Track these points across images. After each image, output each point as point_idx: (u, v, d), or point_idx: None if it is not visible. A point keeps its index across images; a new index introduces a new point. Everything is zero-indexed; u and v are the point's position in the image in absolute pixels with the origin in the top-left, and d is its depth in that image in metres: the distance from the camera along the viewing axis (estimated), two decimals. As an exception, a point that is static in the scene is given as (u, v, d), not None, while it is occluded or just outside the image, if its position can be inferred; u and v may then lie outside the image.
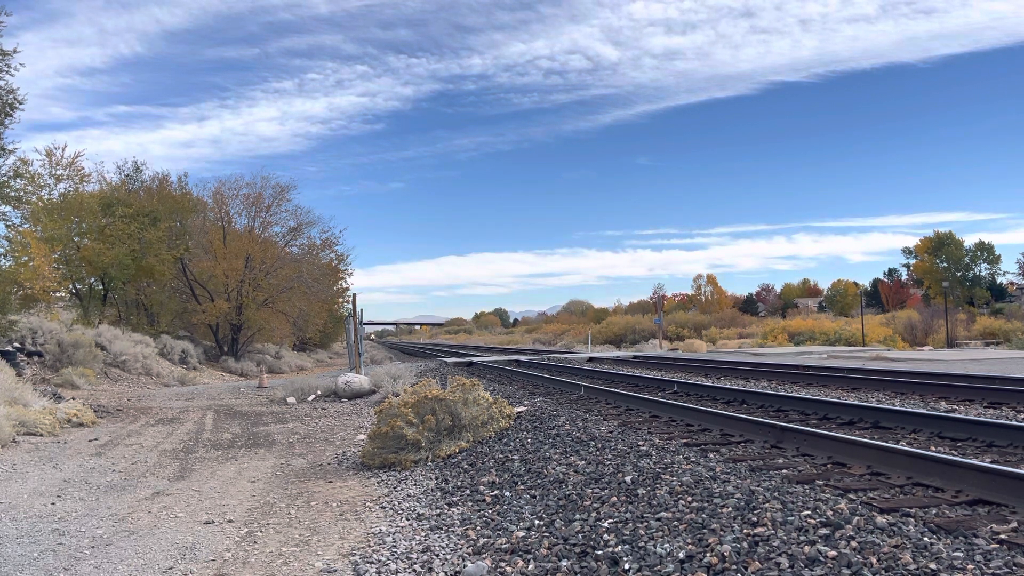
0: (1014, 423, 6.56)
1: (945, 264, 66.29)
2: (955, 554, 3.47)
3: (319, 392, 17.46)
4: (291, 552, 5.12)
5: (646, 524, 4.58)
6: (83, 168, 28.03)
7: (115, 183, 32.65)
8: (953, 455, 5.76)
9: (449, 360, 25.30)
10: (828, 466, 5.83)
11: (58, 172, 26.30)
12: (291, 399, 16.67)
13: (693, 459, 6.04)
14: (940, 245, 67.27)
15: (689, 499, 4.88)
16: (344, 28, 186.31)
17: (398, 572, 4.59)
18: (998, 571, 3.27)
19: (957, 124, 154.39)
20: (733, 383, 13.74)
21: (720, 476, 5.33)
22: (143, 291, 32.74)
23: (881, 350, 28.15)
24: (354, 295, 20.57)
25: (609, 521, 4.82)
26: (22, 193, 17.77)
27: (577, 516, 5.11)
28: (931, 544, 3.60)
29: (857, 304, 59.39)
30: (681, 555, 3.98)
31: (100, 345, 23.08)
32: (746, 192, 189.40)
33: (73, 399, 14.76)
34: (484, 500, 6.20)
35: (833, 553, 3.59)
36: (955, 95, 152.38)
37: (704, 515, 4.49)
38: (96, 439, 10.77)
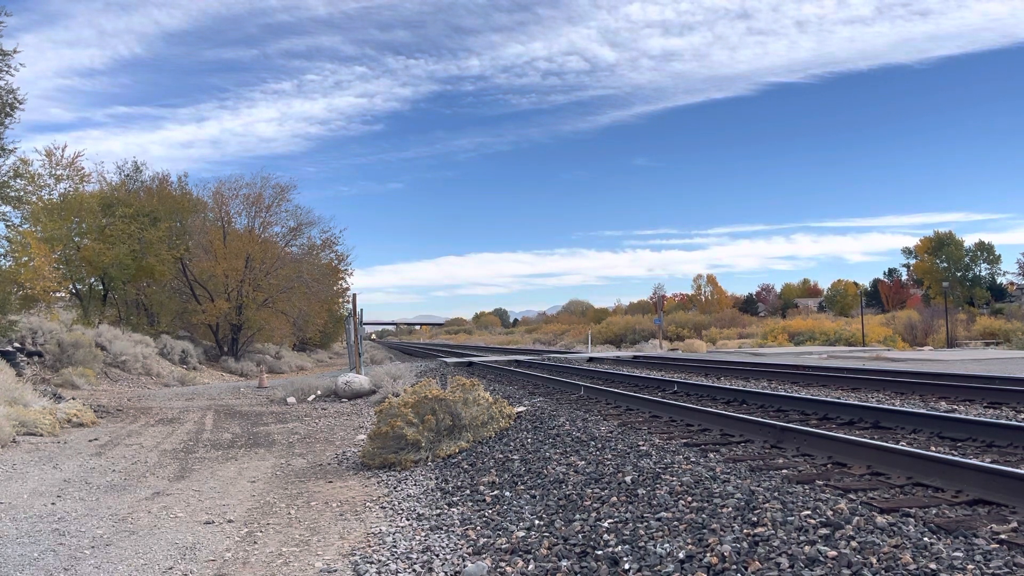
0: (1014, 423, 6.56)
1: (945, 264, 66.26)
2: (955, 554, 3.47)
3: (319, 392, 17.46)
4: (291, 552, 5.12)
5: (646, 524, 4.58)
6: (83, 168, 28.08)
7: (115, 183, 32.68)
8: (953, 455, 5.76)
9: (449, 360, 25.30)
10: (828, 466, 5.83)
11: (58, 172, 26.32)
12: (291, 399, 16.68)
13: (693, 459, 6.04)
14: (940, 245, 67.25)
15: (689, 499, 4.88)
16: (342, 30, 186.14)
17: (398, 572, 4.59)
18: (998, 571, 3.27)
19: (955, 125, 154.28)
20: (733, 383, 13.74)
21: (720, 476, 5.33)
22: (143, 291, 32.75)
23: (881, 350, 28.15)
24: (354, 295, 20.59)
25: (609, 521, 4.82)
26: (22, 193, 17.76)
27: (577, 516, 5.11)
28: (931, 544, 3.60)
29: (857, 304, 59.40)
30: (681, 555, 3.98)
31: (100, 345, 23.09)
32: (744, 192, 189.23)
33: (73, 399, 14.76)
34: (484, 500, 6.20)
35: (833, 553, 3.59)
36: (952, 96, 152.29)
37: (704, 515, 4.49)
38: (96, 439, 10.77)
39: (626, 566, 4.04)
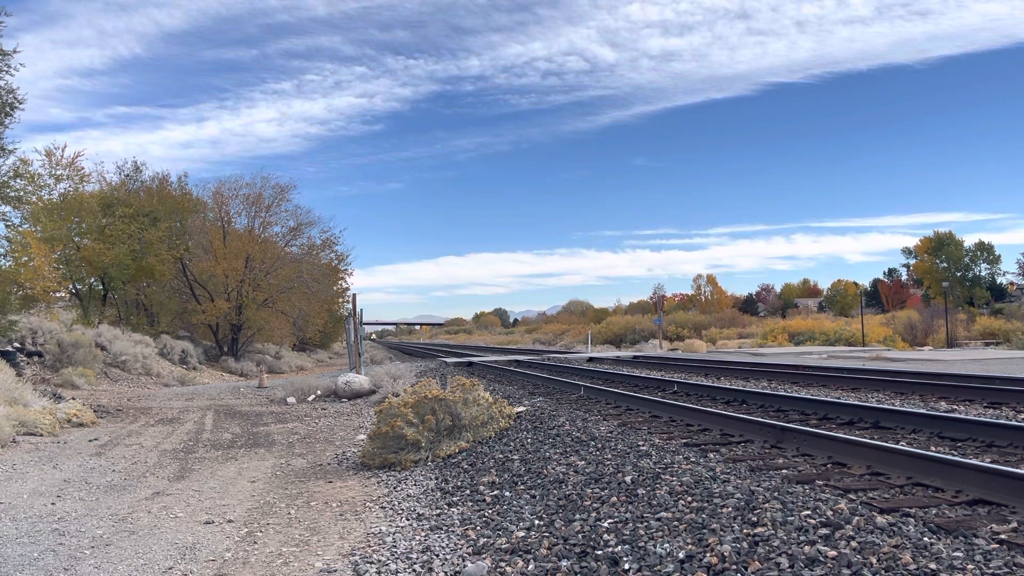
0: (1014, 423, 6.56)
1: (945, 264, 66.24)
2: (955, 554, 3.47)
3: (319, 392, 17.46)
4: (291, 552, 5.12)
5: (646, 524, 4.58)
6: (83, 168, 28.06)
7: (115, 183, 32.67)
8: (953, 455, 5.76)
9: (449, 360, 25.30)
10: (828, 466, 5.83)
11: (58, 172, 26.29)
12: (291, 399, 16.67)
13: (693, 459, 6.04)
14: (940, 245, 67.22)
15: (689, 499, 4.88)
16: (342, 30, 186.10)
17: (398, 572, 4.59)
18: (998, 571, 3.27)
19: (955, 125, 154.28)
20: (733, 383, 13.74)
21: (720, 476, 5.33)
22: (143, 291, 32.74)
23: (881, 350, 28.15)
24: (354, 295, 20.59)
25: (609, 521, 4.82)
26: (22, 193, 17.75)
27: (577, 516, 5.11)
28: (931, 544, 3.60)
29: (857, 304, 59.39)
30: (681, 555, 3.98)
31: (100, 345, 23.09)
32: (744, 193, 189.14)
33: (73, 399, 14.76)
34: (484, 500, 6.20)
35: (833, 553, 3.59)
36: (952, 96, 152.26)
37: (704, 515, 4.49)
38: (96, 439, 10.77)
39: (626, 566, 4.04)
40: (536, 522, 5.25)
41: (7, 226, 18.61)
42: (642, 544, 4.27)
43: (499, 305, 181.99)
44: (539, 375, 16.65)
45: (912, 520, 4.04)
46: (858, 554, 3.55)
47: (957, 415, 7.86)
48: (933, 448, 6.32)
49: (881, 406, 8.35)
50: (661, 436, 7.54)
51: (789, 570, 3.51)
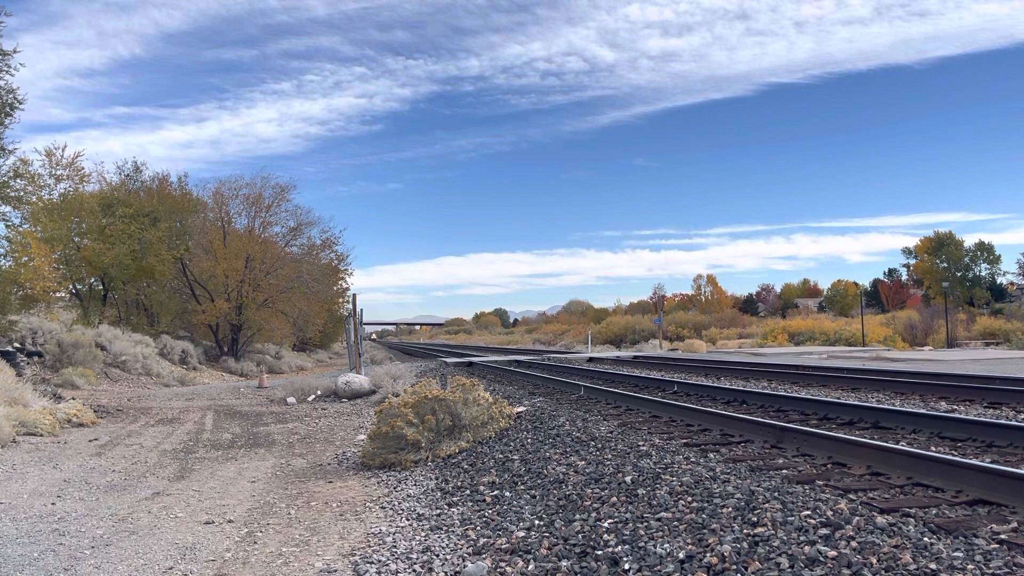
0: (1014, 423, 6.55)
1: (945, 264, 66.23)
2: (955, 554, 3.47)
3: (319, 392, 17.46)
4: (291, 552, 5.12)
5: (646, 524, 4.58)
6: (83, 168, 28.12)
7: (115, 183, 32.72)
8: (953, 455, 5.76)
9: (449, 360, 25.30)
10: (828, 466, 5.82)
11: (58, 172, 26.36)
12: (291, 399, 16.67)
13: (693, 459, 6.03)
14: (940, 245, 67.22)
15: (689, 499, 4.88)
16: (342, 30, 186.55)
17: (398, 572, 4.59)
18: (998, 571, 3.27)
19: (954, 125, 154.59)
20: (733, 383, 13.74)
21: (720, 476, 5.33)
22: (143, 291, 32.75)
23: (881, 350, 28.15)
24: (354, 295, 20.60)
25: (609, 521, 4.82)
26: (22, 193, 17.77)
27: (577, 516, 5.11)
28: (931, 544, 3.60)
29: (857, 304, 59.38)
30: (681, 555, 3.98)
31: (100, 345, 23.09)
32: (744, 193, 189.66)
33: (73, 399, 14.76)
34: (484, 500, 6.20)
35: (833, 553, 3.59)
36: (951, 96, 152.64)
37: (704, 515, 4.49)
38: (96, 439, 10.77)
39: (626, 566, 4.04)
40: (536, 522, 5.25)
41: (7, 226, 18.64)
42: (642, 544, 4.27)
43: (499, 305, 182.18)
44: (539, 375, 16.64)
45: (912, 520, 4.04)
46: (858, 554, 3.55)
47: (957, 415, 7.85)
48: (933, 448, 6.32)
49: (881, 406, 8.35)
50: (661, 436, 7.54)
51: (789, 570, 3.51)
